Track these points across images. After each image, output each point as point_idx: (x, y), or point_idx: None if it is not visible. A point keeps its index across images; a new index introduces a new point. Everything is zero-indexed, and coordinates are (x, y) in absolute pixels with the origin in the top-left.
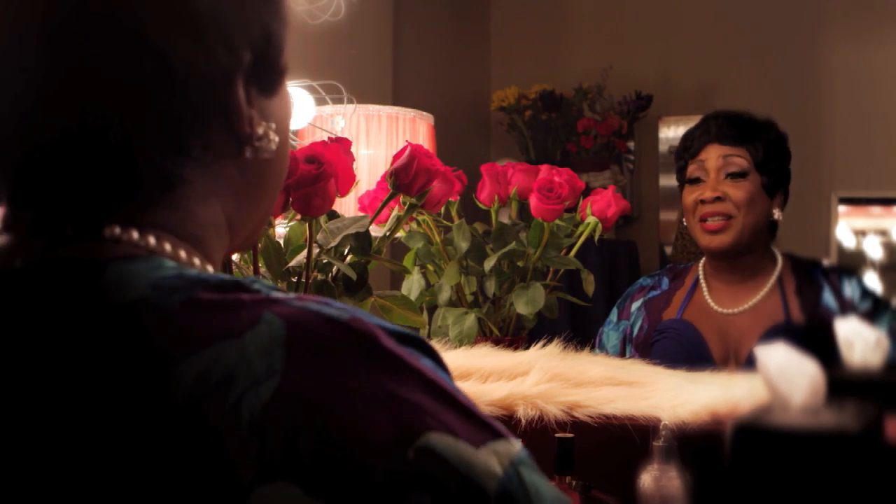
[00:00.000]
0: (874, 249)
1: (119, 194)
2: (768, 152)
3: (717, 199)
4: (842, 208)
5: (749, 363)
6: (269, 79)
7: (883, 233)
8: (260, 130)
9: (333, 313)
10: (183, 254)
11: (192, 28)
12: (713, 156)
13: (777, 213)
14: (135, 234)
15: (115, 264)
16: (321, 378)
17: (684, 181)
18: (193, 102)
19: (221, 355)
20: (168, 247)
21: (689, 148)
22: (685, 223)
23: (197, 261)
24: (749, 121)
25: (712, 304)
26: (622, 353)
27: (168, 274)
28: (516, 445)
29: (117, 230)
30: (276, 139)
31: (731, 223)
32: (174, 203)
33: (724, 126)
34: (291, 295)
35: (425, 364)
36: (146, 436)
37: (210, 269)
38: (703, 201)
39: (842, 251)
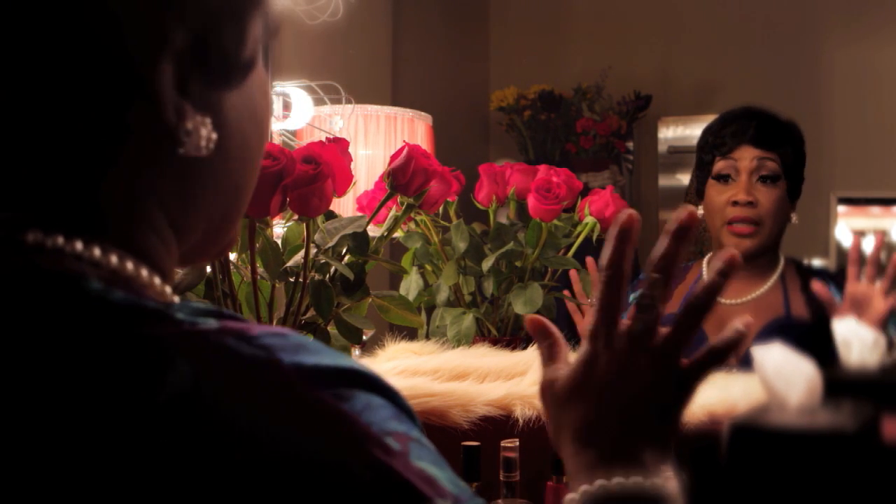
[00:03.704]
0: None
1: (56, 196)
2: (795, 157)
3: (749, 203)
4: (841, 208)
5: (749, 355)
6: (221, 69)
7: (882, 233)
8: (189, 124)
9: (250, 354)
10: (130, 265)
11: (109, 4)
12: (747, 157)
13: (794, 218)
14: (78, 245)
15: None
16: (226, 434)
17: (709, 176)
18: (116, 88)
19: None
20: (115, 259)
21: (720, 145)
22: (700, 213)
23: (144, 272)
24: (782, 124)
25: None
26: None
27: (87, 299)
28: None
29: (60, 240)
30: (213, 136)
31: (758, 230)
32: (110, 204)
33: (760, 128)
34: (213, 323)
35: (352, 407)
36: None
37: (156, 280)
38: (735, 203)
39: (841, 251)
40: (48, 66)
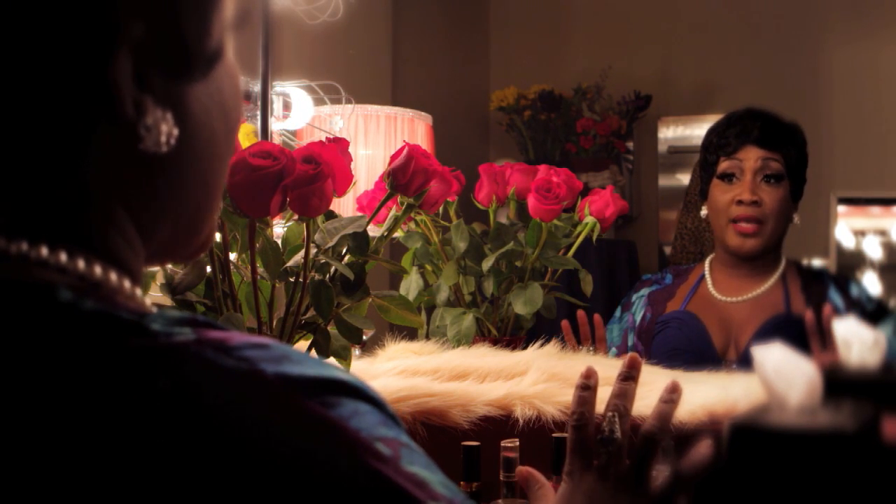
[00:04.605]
0: (873, 249)
1: (13, 201)
2: (798, 157)
3: (754, 202)
4: (841, 208)
5: (748, 352)
6: (183, 60)
7: (882, 233)
8: (150, 119)
9: (231, 366)
10: (98, 269)
11: None
12: (752, 157)
13: (797, 218)
14: (44, 251)
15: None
16: (211, 448)
17: (713, 176)
18: (68, 82)
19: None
20: (82, 263)
21: (725, 145)
22: (703, 214)
23: (113, 275)
24: (785, 125)
25: (715, 293)
26: (624, 345)
27: (58, 310)
28: None
29: (24, 246)
30: (174, 131)
31: (761, 228)
32: (68, 206)
33: (765, 129)
34: (190, 334)
35: (339, 414)
36: None
37: (126, 282)
38: (740, 202)
39: (841, 251)
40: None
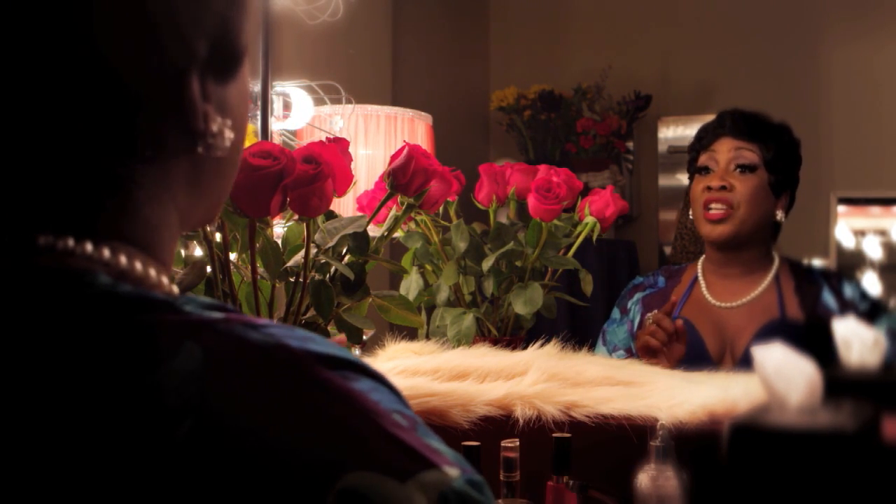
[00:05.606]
0: (873, 249)
1: (67, 201)
2: (779, 152)
3: (723, 188)
4: (841, 208)
5: (745, 358)
6: (226, 65)
7: (882, 233)
8: (214, 127)
9: (258, 339)
10: (138, 265)
11: (140, 27)
12: (725, 148)
13: (780, 215)
14: (88, 247)
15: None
16: (239, 413)
17: (694, 172)
18: (144, 103)
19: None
20: (124, 259)
21: (702, 139)
22: (690, 216)
23: (153, 271)
24: (764, 120)
25: (709, 298)
26: (630, 347)
27: (96, 292)
28: (450, 474)
29: (70, 242)
30: (232, 136)
31: (732, 214)
32: (125, 207)
33: (738, 121)
34: (220, 315)
35: (360, 387)
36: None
37: (164, 279)
38: (709, 188)
39: (841, 251)
40: (80, 78)
